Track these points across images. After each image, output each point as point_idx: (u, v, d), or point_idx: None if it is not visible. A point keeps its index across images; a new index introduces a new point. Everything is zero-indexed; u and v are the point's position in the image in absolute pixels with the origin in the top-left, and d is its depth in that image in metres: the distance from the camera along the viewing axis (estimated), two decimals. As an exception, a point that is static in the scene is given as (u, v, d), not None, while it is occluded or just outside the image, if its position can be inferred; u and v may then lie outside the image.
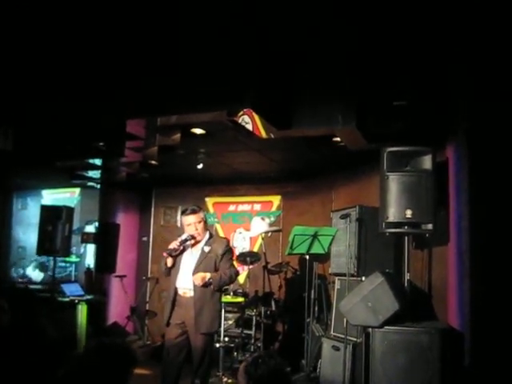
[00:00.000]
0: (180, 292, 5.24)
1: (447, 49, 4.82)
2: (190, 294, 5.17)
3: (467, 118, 5.23)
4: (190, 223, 5.27)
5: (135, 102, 5.40)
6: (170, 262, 5.27)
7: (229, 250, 5.41)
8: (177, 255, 5.26)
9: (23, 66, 5.06)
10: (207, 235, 5.38)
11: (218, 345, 6.83)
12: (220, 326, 5.33)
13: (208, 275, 5.10)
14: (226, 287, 7.65)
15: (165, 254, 5.24)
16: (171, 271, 5.32)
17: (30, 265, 10.80)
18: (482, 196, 4.96)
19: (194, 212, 5.32)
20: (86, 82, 5.29)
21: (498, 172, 4.89)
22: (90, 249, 10.11)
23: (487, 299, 4.76)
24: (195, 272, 5.14)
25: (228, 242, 5.57)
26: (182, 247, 5.21)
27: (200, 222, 5.29)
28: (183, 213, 5.40)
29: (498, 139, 4.94)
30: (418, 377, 4.91)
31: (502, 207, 4.85)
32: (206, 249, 5.28)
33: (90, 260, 10.14)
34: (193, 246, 5.30)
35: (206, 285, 5.09)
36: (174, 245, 5.18)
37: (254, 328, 7.52)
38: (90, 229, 9.94)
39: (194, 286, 5.13)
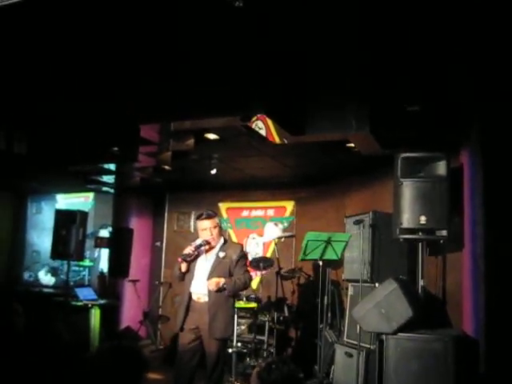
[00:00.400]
0: (194, 297, 5.23)
1: (461, 54, 4.81)
2: (205, 299, 5.16)
3: (481, 123, 5.20)
4: (205, 228, 5.27)
5: (149, 107, 5.43)
6: (184, 267, 5.27)
7: (243, 256, 5.40)
8: (191, 260, 5.25)
9: (39, 71, 5.10)
10: (222, 240, 5.37)
11: (230, 350, 6.82)
12: (233, 332, 5.31)
13: (222, 280, 5.09)
14: (239, 293, 7.68)
15: (179, 260, 5.23)
16: (185, 276, 5.31)
17: (41, 269, 10.85)
18: (497, 201, 4.92)
19: (209, 217, 5.31)
20: (101, 87, 5.32)
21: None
22: (104, 253, 10.15)
23: (502, 305, 4.72)
24: (210, 277, 5.13)
25: (242, 247, 5.55)
26: (196, 252, 5.21)
27: (215, 227, 5.28)
28: (198, 217, 5.39)
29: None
30: (432, 384, 4.87)
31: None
32: (221, 254, 5.27)
33: (104, 264, 10.17)
34: (207, 251, 5.29)
35: (220, 290, 5.09)
36: (188, 250, 5.17)
37: (266, 333, 7.50)
38: (104, 233, 9.98)
39: (209, 291, 5.12)
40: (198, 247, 5.18)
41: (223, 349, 5.27)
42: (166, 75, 5.20)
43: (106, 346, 2.65)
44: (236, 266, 5.25)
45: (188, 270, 5.28)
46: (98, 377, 2.49)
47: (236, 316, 6.98)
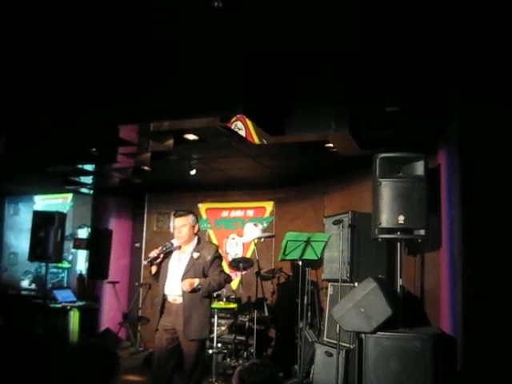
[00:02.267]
0: (170, 299, 5.15)
1: (438, 55, 4.86)
2: (180, 300, 5.08)
3: (458, 124, 5.26)
4: (174, 226, 5.22)
5: (128, 108, 5.40)
6: (153, 269, 5.18)
7: (218, 256, 5.29)
8: (159, 263, 5.18)
9: (16, 72, 5.06)
10: (195, 241, 5.27)
11: (210, 351, 6.82)
12: (211, 333, 5.25)
13: (196, 281, 5.02)
14: (217, 293, 7.67)
15: (145, 263, 5.15)
16: (159, 278, 5.23)
17: (25, 278, 10.68)
18: (474, 200, 4.98)
19: (180, 215, 5.22)
20: (79, 87, 5.29)
21: (490, 176, 4.92)
22: (81, 255, 10.09)
23: (479, 304, 4.77)
24: (184, 278, 5.05)
25: (217, 247, 5.43)
26: (162, 255, 5.11)
27: (185, 225, 5.17)
28: (173, 215, 5.33)
29: (488, 144, 4.97)
30: (410, 382, 4.91)
31: (493, 211, 4.87)
32: (195, 255, 5.17)
33: (80, 266, 10.12)
34: (180, 250, 5.23)
35: (194, 290, 5.02)
36: (153, 253, 5.08)
37: (246, 334, 7.51)
38: (83, 233, 9.90)
39: (183, 292, 5.04)
40: (163, 251, 5.10)
41: (201, 349, 5.21)
42: (146, 76, 5.19)
43: (80, 344, 2.65)
44: (211, 266, 5.17)
45: (158, 271, 5.21)
46: (71, 371, 2.47)
47: (216, 316, 7.00)
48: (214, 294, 5.94)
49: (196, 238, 5.29)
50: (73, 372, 2.46)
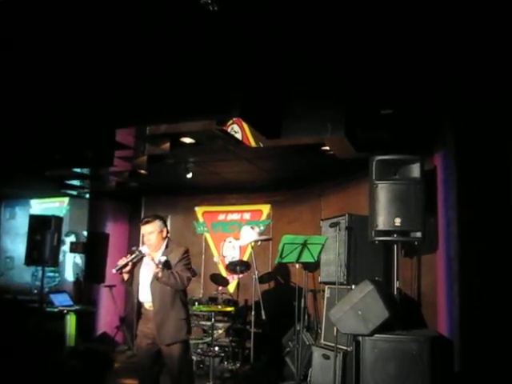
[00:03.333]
0: (146, 306, 5.04)
1: (434, 58, 4.88)
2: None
3: (454, 125, 5.28)
4: (143, 233, 5.10)
5: (124, 111, 5.39)
6: (125, 276, 5.06)
7: (185, 257, 5.08)
8: (129, 271, 5.11)
9: (13, 76, 5.05)
10: (164, 245, 5.13)
11: (209, 354, 6.81)
12: (189, 333, 5.11)
13: (159, 265, 4.81)
14: (212, 296, 7.67)
15: (113, 271, 5.06)
16: (133, 285, 5.11)
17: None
18: (470, 203, 5.00)
19: (146, 222, 5.08)
20: (75, 91, 5.29)
21: (486, 178, 4.94)
22: (69, 260, 10.10)
23: (476, 306, 4.78)
24: (152, 284, 4.93)
25: (186, 250, 5.18)
26: (130, 263, 5.04)
27: (152, 232, 5.04)
28: (140, 222, 5.19)
29: (484, 146, 4.98)
30: (408, 384, 4.92)
31: (489, 213, 4.89)
32: (162, 259, 4.99)
33: (68, 272, 10.17)
34: (150, 256, 5.12)
35: (156, 272, 4.80)
36: (121, 261, 4.93)
37: (244, 337, 7.51)
38: (71, 239, 9.90)
39: (153, 298, 4.93)
40: (131, 259, 5.02)
41: (184, 352, 5.02)
42: (142, 79, 5.19)
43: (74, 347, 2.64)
44: (176, 266, 4.98)
45: (130, 278, 5.14)
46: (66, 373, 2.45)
47: (213, 320, 7.00)
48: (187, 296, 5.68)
49: (165, 243, 5.16)
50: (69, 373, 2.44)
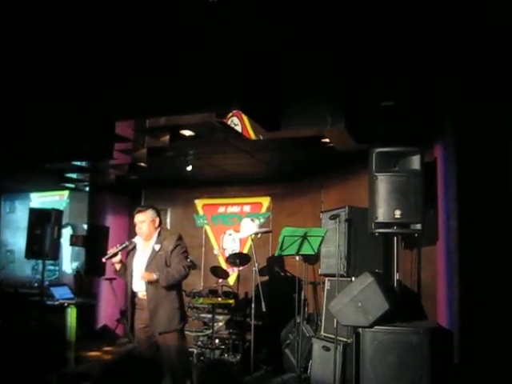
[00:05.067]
0: (140, 295, 5.10)
1: (434, 50, 4.86)
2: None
3: (454, 118, 5.27)
4: (135, 222, 5.15)
5: (124, 104, 5.39)
6: (117, 266, 5.16)
7: (179, 244, 5.14)
8: (120, 261, 5.14)
9: (12, 69, 5.04)
10: (156, 234, 5.18)
11: (209, 346, 6.83)
12: (184, 323, 5.12)
13: (154, 275, 4.90)
14: (211, 289, 7.69)
15: (103, 260, 5.09)
16: (127, 274, 5.18)
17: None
18: (470, 195, 5.00)
19: (139, 211, 5.16)
20: (75, 83, 5.28)
21: (486, 171, 4.93)
22: (67, 253, 10.10)
23: (476, 298, 4.79)
24: (146, 272, 4.99)
25: (179, 236, 5.24)
26: (120, 252, 5.06)
27: (144, 221, 5.10)
28: (134, 212, 5.25)
29: (485, 138, 4.98)
30: (408, 376, 4.93)
31: (489, 206, 4.89)
32: (157, 247, 5.08)
33: (66, 265, 10.18)
34: (143, 245, 5.16)
35: (152, 282, 4.92)
36: (112, 250, 5.04)
37: (244, 329, 7.52)
38: (66, 232, 9.87)
39: (146, 287, 4.98)
40: (121, 248, 5.06)
41: (179, 341, 5.06)
42: (142, 72, 5.18)
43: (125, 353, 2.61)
44: (171, 255, 5.05)
45: (122, 268, 5.17)
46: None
47: (214, 312, 7.01)
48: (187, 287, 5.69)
49: (157, 232, 5.20)
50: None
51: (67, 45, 4.95)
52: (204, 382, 2.68)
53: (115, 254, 5.04)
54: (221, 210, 9.56)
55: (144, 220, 5.10)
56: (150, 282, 4.93)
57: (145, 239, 5.12)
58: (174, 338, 4.98)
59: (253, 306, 6.49)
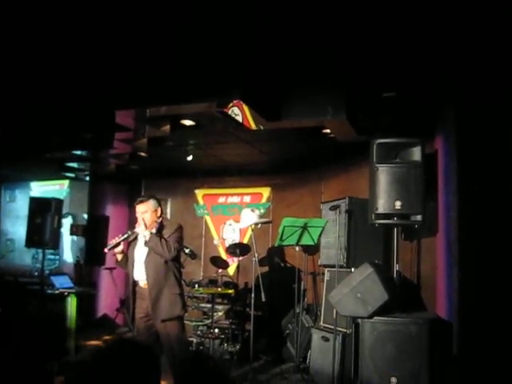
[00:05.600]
0: (141, 284, 5.11)
1: (435, 40, 4.84)
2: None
3: (456, 109, 5.25)
4: (137, 213, 5.15)
5: (125, 93, 5.37)
6: (119, 257, 5.17)
7: (177, 230, 5.15)
8: (122, 252, 5.15)
9: (9, 58, 5.02)
10: (158, 224, 5.18)
11: (209, 336, 6.85)
12: (185, 310, 5.14)
13: (148, 234, 4.95)
14: (212, 279, 7.71)
15: (106, 250, 5.11)
16: (128, 264, 5.20)
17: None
18: (470, 187, 4.99)
19: (140, 202, 5.15)
20: (75, 72, 5.26)
21: (486, 163, 4.92)
22: (67, 242, 10.11)
23: (475, 289, 4.80)
24: (146, 261, 5.01)
25: (179, 225, 5.25)
26: (121, 243, 5.08)
27: (146, 211, 5.10)
28: (135, 203, 5.24)
29: (486, 130, 4.96)
30: (406, 366, 4.95)
31: (489, 197, 4.88)
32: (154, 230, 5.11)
33: (67, 252, 10.19)
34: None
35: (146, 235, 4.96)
36: (113, 240, 5.06)
37: (243, 319, 7.54)
38: (67, 222, 9.88)
39: (147, 275, 5.00)
40: (123, 238, 5.07)
41: (179, 330, 5.10)
42: (143, 61, 5.16)
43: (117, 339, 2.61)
44: (168, 238, 5.06)
45: (124, 259, 5.19)
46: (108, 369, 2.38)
47: (213, 302, 7.03)
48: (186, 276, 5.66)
49: (159, 222, 5.21)
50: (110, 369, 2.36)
51: (68, 33, 4.93)
52: (189, 373, 2.66)
53: (117, 245, 5.06)
54: (221, 200, 9.56)
55: (146, 210, 5.11)
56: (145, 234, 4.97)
57: (146, 229, 5.13)
58: (174, 326, 5.02)
59: (252, 296, 6.50)
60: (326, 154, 7.51)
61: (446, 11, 4.53)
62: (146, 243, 4.98)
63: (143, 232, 4.98)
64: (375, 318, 5.14)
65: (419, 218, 5.38)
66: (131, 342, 2.52)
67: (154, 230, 5.07)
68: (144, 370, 2.25)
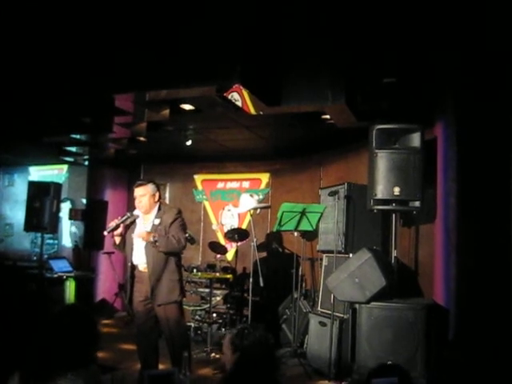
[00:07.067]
0: (141, 268, 5.10)
1: (436, 27, 4.82)
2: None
3: (456, 96, 5.24)
4: (135, 196, 5.13)
5: (124, 77, 5.35)
6: (117, 240, 5.15)
7: (178, 217, 5.15)
8: (120, 234, 5.15)
9: (7, 42, 5.00)
10: (156, 208, 5.17)
11: (207, 321, 6.87)
12: (183, 295, 5.15)
13: (151, 238, 4.90)
14: (209, 264, 7.72)
15: (105, 233, 5.11)
16: (126, 248, 5.19)
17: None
18: (469, 174, 4.99)
19: (139, 185, 5.13)
20: (74, 55, 5.23)
21: (486, 149, 4.92)
22: (66, 227, 10.13)
23: (472, 276, 4.81)
24: (146, 248, 5.00)
25: (179, 210, 5.25)
26: (121, 225, 5.06)
27: (144, 195, 5.08)
28: (134, 186, 5.22)
29: (485, 117, 4.96)
30: (403, 351, 4.98)
31: (488, 184, 4.89)
32: (156, 221, 5.09)
33: (66, 236, 10.23)
34: (143, 219, 5.16)
35: (152, 242, 4.90)
36: (113, 223, 5.04)
37: (241, 304, 7.57)
38: (65, 206, 9.89)
39: (147, 260, 4.99)
40: (122, 221, 5.05)
41: (177, 314, 5.10)
42: (142, 44, 5.13)
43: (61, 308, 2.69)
44: (170, 227, 5.05)
45: (122, 242, 5.17)
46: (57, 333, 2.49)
47: (212, 287, 7.06)
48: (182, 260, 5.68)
49: (157, 206, 5.20)
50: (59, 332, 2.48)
51: (66, 17, 4.90)
52: (238, 345, 2.70)
53: (117, 227, 5.06)
54: (220, 185, 9.56)
55: (144, 194, 5.11)
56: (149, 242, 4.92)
57: (144, 213, 5.14)
58: (173, 310, 5.03)
59: (251, 281, 6.52)
60: (325, 139, 7.50)
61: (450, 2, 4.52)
62: (155, 247, 4.93)
63: (149, 238, 4.91)
64: (372, 303, 5.17)
65: (418, 204, 5.39)
66: (77, 308, 2.63)
67: (156, 221, 5.06)
68: (82, 330, 2.43)
